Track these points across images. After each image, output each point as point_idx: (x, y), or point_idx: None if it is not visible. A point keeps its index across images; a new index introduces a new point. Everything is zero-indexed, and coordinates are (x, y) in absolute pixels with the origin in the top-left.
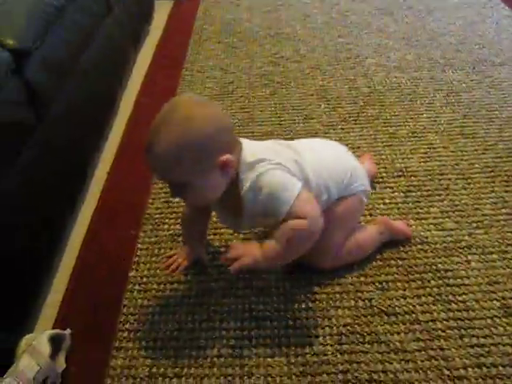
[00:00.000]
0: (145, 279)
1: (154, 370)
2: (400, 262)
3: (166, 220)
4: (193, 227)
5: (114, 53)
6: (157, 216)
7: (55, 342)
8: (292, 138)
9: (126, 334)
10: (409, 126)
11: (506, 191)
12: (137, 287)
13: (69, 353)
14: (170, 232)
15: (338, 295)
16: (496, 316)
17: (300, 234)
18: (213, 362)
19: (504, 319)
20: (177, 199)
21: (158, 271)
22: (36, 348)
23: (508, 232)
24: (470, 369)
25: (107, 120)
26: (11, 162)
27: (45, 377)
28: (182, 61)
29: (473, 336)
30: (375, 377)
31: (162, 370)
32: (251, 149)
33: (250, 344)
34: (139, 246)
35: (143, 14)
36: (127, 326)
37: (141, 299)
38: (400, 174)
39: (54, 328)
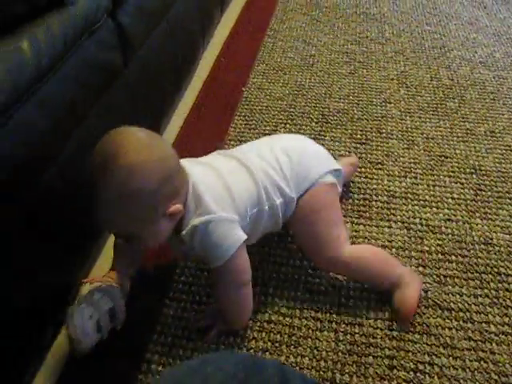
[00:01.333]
0: None
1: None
2: (461, 259)
3: None
4: (125, 254)
5: (200, 10)
6: None
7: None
8: (367, 120)
9: (180, 286)
10: (487, 124)
11: None
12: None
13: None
14: None
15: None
16: None
17: (227, 303)
18: (262, 326)
19: None
20: None
21: None
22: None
23: None
24: None
25: (186, 75)
26: (95, 103)
27: (115, 313)
28: (266, 28)
29: None
30: (421, 367)
31: None
32: (199, 187)
33: (301, 315)
34: None
35: None
36: (183, 278)
37: None
38: (472, 171)
39: None
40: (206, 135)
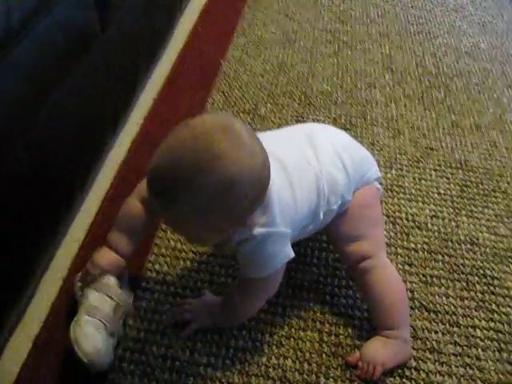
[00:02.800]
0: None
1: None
2: (447, 259)
3: None
4: (134, 221)
5: None
6: None
7: None
8: (351, 104)
9: (154, 275)
10: (473, 118)
11: None
12: (169, 234)
13: None
14: None
15: None
16: None
17: (238, 312)
18: (242, 324)
19: None
20: None
21: None
22: (101, 281)
23: None
24: None
25: (161, 43)
26: (69, 69)
27: (122, 310)
28: None
29: None
30: (407, 373)
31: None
32: (271, 194)
33: (284, 313)
34: None
35: None
36: (156, 266)
37: (173, 241)
38: (458, 166)
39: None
40: (181, 109)
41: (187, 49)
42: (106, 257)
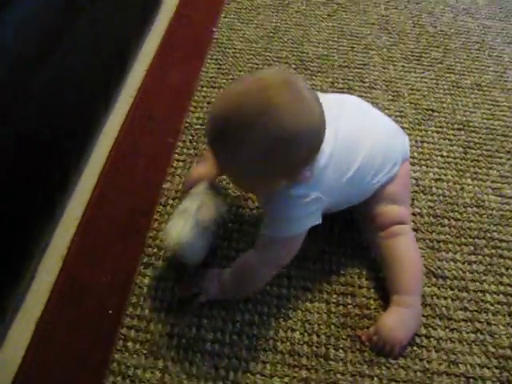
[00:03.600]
0: (179, 194)
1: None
2: (453, 223)
3: None
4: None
5: None
6: (197, 126)
7: None
8: (348, 67)
9: (155, 251)
10: (473, 77)
11: None
12: (170, 201)
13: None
14: None
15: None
16: None
17: (248, 274)
18: (248, 297)
19: None
20: None
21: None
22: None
23: None
24: None
25: (150, 15)
26: (58, 42)
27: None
28: None
29: None
30: (418, 341)
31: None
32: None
33: (290, 284)
34: (176, 156)
35: None
36: (157, 241)
37: None
38: (461, 127)
39: (76, 234)
40: (174, 80)
41: (178, 18)
42: (197, 169)
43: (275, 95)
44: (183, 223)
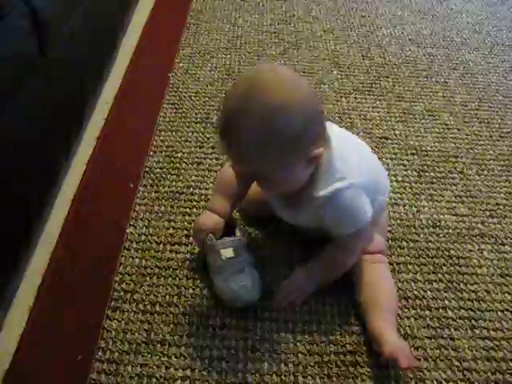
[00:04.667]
0: (143, 237)
1: (152, 335)
2: (412, 244)
3: (168, 176)
4: (230, 186)
5: None
6: (157, 170)
7: None
8: None
9: (121, 294)
10: (423, 103)
11: None
12: (134, 245)
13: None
14: (171, 189)
15: (347, 272)
16: (507, 310)
17: (338, 266)
18: (215, 333)
19: None
20: None
21: (157, 230)
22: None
23: None
24: (479, 361)
25: (107, 62)
26: (12, 96)
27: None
28: (188, 8)
29: (483, 328)
30: (384, 361)
31: (161, 336)
32: (339, 150)
33: (256, 316)
34: (138, 200)
35: None
36: (123, 285)
37: (138, 259)
38: (414, 151)
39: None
40: (133, 126)
41: (134, 65)
42: (209, 220)
43: (260, 79)
44: (230, 280)
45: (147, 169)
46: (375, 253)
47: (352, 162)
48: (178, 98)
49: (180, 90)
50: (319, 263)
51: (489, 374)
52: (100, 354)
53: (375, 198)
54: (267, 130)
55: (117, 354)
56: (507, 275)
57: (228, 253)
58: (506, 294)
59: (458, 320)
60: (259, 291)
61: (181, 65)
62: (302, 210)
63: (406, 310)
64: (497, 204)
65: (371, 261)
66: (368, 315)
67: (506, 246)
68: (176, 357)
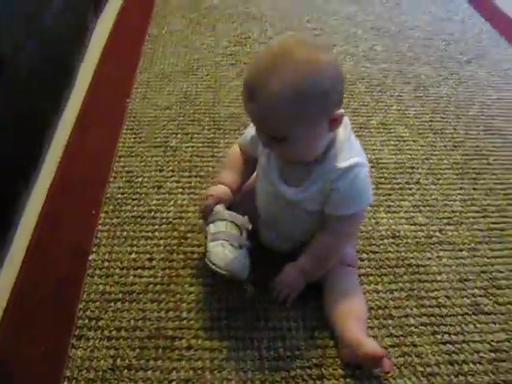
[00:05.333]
0: (106, 263)
1: (119, 361)
2: (372, 256)
3: (129, 201)
4: (239, 163)
5: (73, 17)
6: (119, 196)
7: None
8: None
9: (86, 322)
10: (378, 117)
11: (475, 189)
12: (97, 271)
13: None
14: (133, 214)
15: (309, 288)
16: (467, 313)
17: (331, 253)
18: (181, 355)
19: (474, 317)
20: None
21: (120, 255)
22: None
23: (477, 230)
24: (442, 365)
25: (64, 90)
26: None
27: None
28: (144, 33)
29: (445, 333)
30: (349, 372)
31: (127, 361)
32: (346, 126)
33: (221, 335)
34: (100, 227)
35: None
36: (87, 313)
37: (102, 285)
38: (371, 165)
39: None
40: (93, 152)
41: (92, 93)
42: (217, 189)
43: (289, 42)
44: (223, 251)
45: (108, 195)
46: (349, 265)
47: (358, 145)
48: (136, 123)
49: (138, 115)
50: (310, 255)
51: (452, 377)
52: (66, 383)
53: None
54: (299, 86)
55: (83, 382)
56: (466, 280)
57: (233, 226)
58: (465, 299)
59: (420, 327)
60: (248, 274)
61: (139, 90)
62: (312, 184)
63: (369, 321)
64: (453, 211)
65: (344, 272)
66: (342, 324)
67: (463, 252)
68: (143, 381)
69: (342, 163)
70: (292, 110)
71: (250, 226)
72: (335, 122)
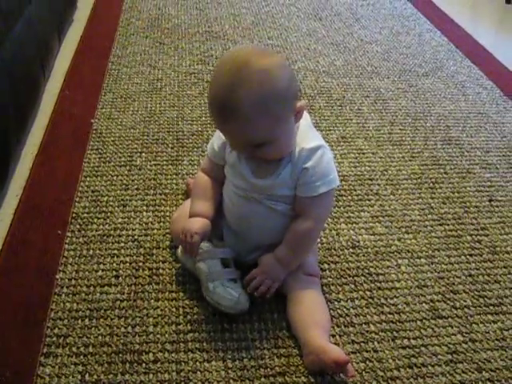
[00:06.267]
0: (73, 281)
1: (87, 377)
2: (333, 266)
3: (95, 220)
4: (208, 189)
5: (37, 41)
6: (84, 215)
7: None
8: None
9: (54, 340)
10: (338, 130)
11: (432, 198)
12: (64, 290)
13: None
14: (99, 232)
15: (272, 298)
16: (425, 318)
17: (306, 239)
18: (148, 368)
19: (432, 321)
20: None
21: (87, 273)
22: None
23: (435, 237)
24: (402, 369)
25: (30, 112)
26: None
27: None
28: (108, 54)
29: (404, 338)
30: (312, 380)
31: (95, 377)
32: (305, 116)
33: (186, 348)
34: (66, 246)
35: (68, 2)
36: (55, 331)
37: (69, 303)
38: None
39: None
40: (59, 174)
41: (57, 113)
42: (197, 224)
43: (241, 54)
44: (226, 290)
45: (74, 214)
46: (313, 275)
47: (320, 136)
48: (101, 143)
49: (103, 135)
50: (286, 243)
51: (411, 379)
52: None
53: None
54: (265, 91)
55: None
56: (424, 286)
57: (226, 261)
58: (424, 304)
59: (380, 333)
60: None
61: (103, 110)
62: (282, 169)
63: (331, 329)
64: (411, 220)
65: (308, 281)
66: (306, 332)
67: (421, 259)
68: None
69: (308, 145)
70: (266, 117)
71: (233, 255)
72: (299, 114)
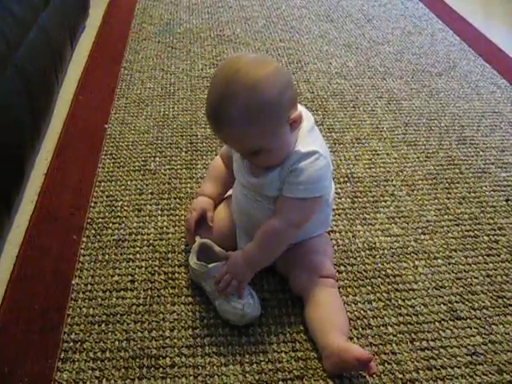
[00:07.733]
0: (89, 286)
1: (104, 382)
2: (349, 268)
3: (110, 224)
4: (220, 172)
5: (50, 48)
6: (99, 220)
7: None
8: None
9: (71, 345)
10: (352, 132)
11: (448, 198)
12: (81, 295)
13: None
14: (114, 237)
15: (289, 302)
16: (443, 319)
17: (276, 240)
18: (165, 373)
19: (451, 322)
20: None
21: (102, 278)
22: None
23: (451, 238)
24: (421, 371)
25: (44, 118)
26: None
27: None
28: (121, 59)
29: (423, 339)
30: (331, 383)
31: (113, 382)
32: (308, 120)
33: (204, 352)
34: (82, 251)
35: (80, 9)
36: (72, 336)
37: (85, 308)
38: (346, 179)
39: None
40: (73, 179)
41: (71, 119)
42: (198, 204)
43: (235, 65)
44: (232, 301)
45: (89, 220)
46: (329, 277)
47: (323, 143)
48: (115, 148)
49: (117, 140)
50: (256, 241)
51: (430, 382)
52: None
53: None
54: (253, 103)
55: None
56: (441, 287)
57: None
58: (442, 305)
59: (398, 335)
60: (260, 305)
61: (117, 115)
62: (272, 172)
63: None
64: (427, 221)
65: (325, 284)
66: (325, 335)
67: (438, 260)
68: None
69: (304, 149)
70: (255, 128)
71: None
72: (295, 123)
